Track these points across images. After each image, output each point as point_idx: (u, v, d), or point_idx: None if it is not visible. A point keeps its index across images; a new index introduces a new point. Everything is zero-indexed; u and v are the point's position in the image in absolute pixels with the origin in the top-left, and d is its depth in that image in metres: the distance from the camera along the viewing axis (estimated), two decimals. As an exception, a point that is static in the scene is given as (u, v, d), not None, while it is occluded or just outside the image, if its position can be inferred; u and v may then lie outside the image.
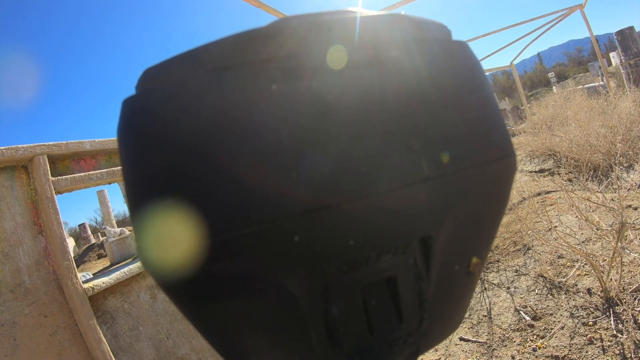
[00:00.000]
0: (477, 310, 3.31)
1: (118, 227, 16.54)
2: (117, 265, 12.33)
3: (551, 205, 4.81)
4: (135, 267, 2.36)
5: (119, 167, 2.52)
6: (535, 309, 3.12)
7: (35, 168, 2.07)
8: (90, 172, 2.29)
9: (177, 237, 0.31)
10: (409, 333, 0.38)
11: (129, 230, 14.53)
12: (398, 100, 0.34)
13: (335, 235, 0.31)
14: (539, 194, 5.45)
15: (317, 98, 0.32)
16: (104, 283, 2.17)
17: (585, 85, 15.44)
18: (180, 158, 0.32)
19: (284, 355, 0.38)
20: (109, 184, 2.44)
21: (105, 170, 2.38)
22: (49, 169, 2.10)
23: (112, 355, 2.14)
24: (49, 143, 2.17)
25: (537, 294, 3.32)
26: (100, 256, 17.98)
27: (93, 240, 21.23)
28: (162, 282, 0.35)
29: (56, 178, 2.14)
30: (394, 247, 0.34)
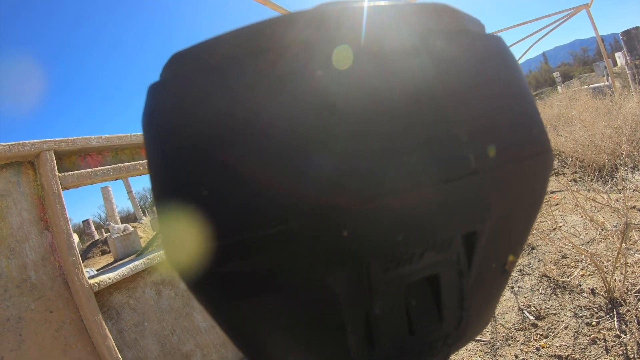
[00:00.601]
0: None
1: (122, 223, 16.56)
2: (120, 262, 12.34)
3: (556, 205, 4.79)
4: (140, 263, 2.35)
5: (125, 164, 2.51)
6: (539, 308, 3.11)
7: (42, 164, 2.06)
8: (97, 168, 2.28)
9: (207, 232, 0.29)
10: (448, 333, 0.36)
11: (133, 227, 14.53)
12: (444, 91, 0.33)
13: (383, 229, 0.30)
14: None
15: (362, 84, 0.30)
16: (109, 279, 2.17)
17: (591, 85, 15.21)
18: (210, 148, 0.30)
19: (314, 357, 0.37)
20: (115, 180, 2.44)
21: (111, 166, 2.37)
22: (55, 164, 2.09)
23: (118, 351, 2.13)
24: (56, 139, 2.16)
25: (541, 293, 3.31)
26: (104, 252, 17.98)
27: (97, 237, 21.25)
28: (189, 279, 0.34)
29: (63, 174, 2.13)
30: (438, 243, 0.33)
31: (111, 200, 18.88)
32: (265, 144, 0.29)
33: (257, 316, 0.34)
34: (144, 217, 23.39)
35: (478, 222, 0.35)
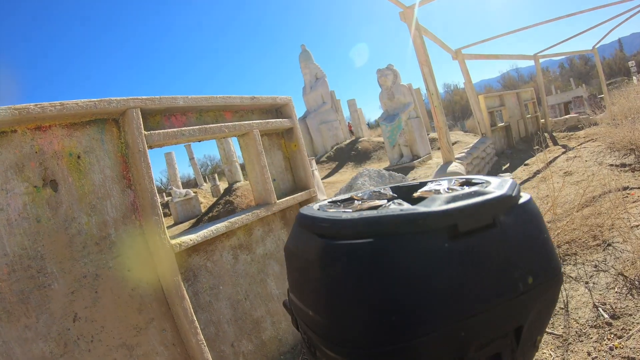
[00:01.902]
0: None
1: (183, 188, 16.72)
2: (182, 223, 12.45)
3: (634, 202, 4.13)
4: (222, 226, 2.04)
5: (210, 125, 2.17)
6: (614, 307, 2.65)
7: (128, 121, 1.77)
8: (183, 128, 1.97)
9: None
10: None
11: (194, 192, 14.63)
12: (511, 250, 0.63)
13: (482, 327, 0.59)
14: (621, 189, 4.74)
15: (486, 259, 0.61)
16: (191, 240, 1.87)
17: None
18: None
19: None
20: (199, 141, 2.12)
21: (197, 127, 2.05)
22: (142, 122, 1.79)
23: (193, 313, 1.85)
24: (142, 97, 1.85)
25: (616, 292, 2.82)
26: (164, 215, 18.09)
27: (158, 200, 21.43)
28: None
29: (149, 132, 1.83)
30: (504, 334, 0.62)
31: (174, 165, 19.08)
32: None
33: None
34: (205, 184, 23.53)
35: (523, 319, 0.63)
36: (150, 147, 1.82)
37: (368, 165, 14.13)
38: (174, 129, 1.94)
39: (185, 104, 2.02)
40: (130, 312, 1.73)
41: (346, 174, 13.50)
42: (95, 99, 1.68)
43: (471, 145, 7.06)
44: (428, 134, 12.15)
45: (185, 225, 11.94)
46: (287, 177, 2.86)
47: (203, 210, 12.80)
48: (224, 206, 10.40)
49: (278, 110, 2.85)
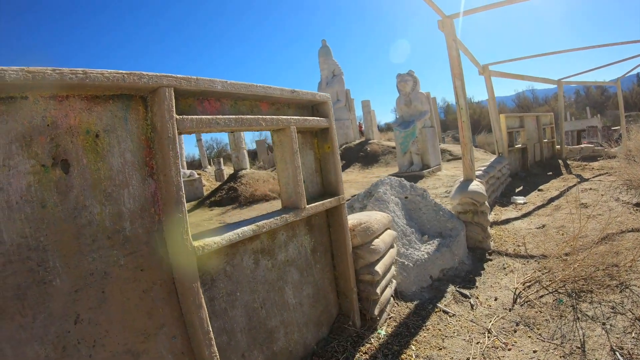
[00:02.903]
0: (569, 339, 2.59)
1: (188, 169, 16.28)
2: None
3: None
4: (249, 229, 1.74)
5: (247, 116, 1.84)
6: (632, 353, 2.37)
7: (159, 101, 1.46)
8: (218, 116, 1.67)
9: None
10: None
11: (198, 174, 14.27)
12: None
13: None
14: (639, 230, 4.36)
15: None
16: (215, 243, 1.58)
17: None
18: None
19: None
20: (231, 132, 1.80)
21: (233, 116, 1.74)
22: (174, 104, 1.48)
23: (209, 322, 1.56)
24: (177, 75, 1.55)
25: (634, 337, 2.51)
26: None
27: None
28: None
29: (181, 116, 1.52)
30: None
31: (181, 145, 18.47)
32: None
33: None
34: (209, 166, 22.89)
35: None
36: (180, 133, 1.51)
37: (375, 168, 13.75)
38: (209, 116, 1.63)
39: (223, 89, 1.71)
40: (139, 316, 1.43)
41: (353, 174, 13.12)
42: (124, 71, 1.37)
43: (487, 163, 6.69)
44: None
45: (187, 206, 11.71)
46: (316, 180, 2.54)
47: (205, 193, 12.44)
48: (227, 192, 10.10)
49: (314, 107, 2.54)
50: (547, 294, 3.27)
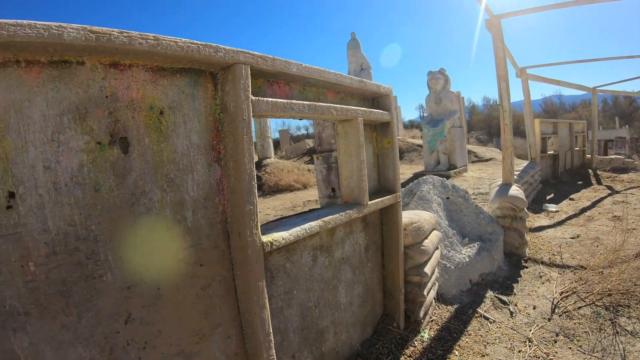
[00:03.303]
0: (610, 353, 2.29)
1: None
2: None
3: None
4: (316, 225, 1.42)
5: (321, 104, 1.43)
6: None
7: (233, 79, 1.13)
8: (293, 102, 1.33)
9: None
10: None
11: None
12: None
13: None
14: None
15: None
16: (283, 239, 1.27)
17: None
18: None
19: None
20: (301, 118, 1.46)
21: (307, 102, 1.41)
22: (250, 84, 1.14)
23: (270, 324, 1.26)
24: (254, 53, 1.21)
25: None
26: None
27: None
28: None
29: (256, 98, 1.18)
30: None
31: None
32: None
33: None
34: None
35: None
36: (254, 117, 1.18)
37: (399, 165, 13.13)
38: (284, 100, 1.29)
39: (298, 73, 1.36)
40: (195, 315, 1.14)
41: None
42: (199, 42, 1.05)
43: (520, 168, 6.07)
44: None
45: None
46: (373, 176, 2.18)
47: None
48: (252, 179, 9.80)
49: (375, 100, 2.15)
50: (585, 306, 2.91)
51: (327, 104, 1.52)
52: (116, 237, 0.95)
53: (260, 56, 1.21)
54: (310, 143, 19.78)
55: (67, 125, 0.86)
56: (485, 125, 28.47)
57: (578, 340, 2.40)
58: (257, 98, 1.17)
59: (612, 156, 9.93)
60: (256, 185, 1.15)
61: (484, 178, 7.96)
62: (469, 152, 12.12)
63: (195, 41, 1.05)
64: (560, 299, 3.12)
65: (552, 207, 5.56)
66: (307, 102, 1.38)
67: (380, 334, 2.17)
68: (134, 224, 0.98)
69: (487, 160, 11.14)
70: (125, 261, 0.97)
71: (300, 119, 1.51)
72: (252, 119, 1.14)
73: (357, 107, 1.76)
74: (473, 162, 10.97)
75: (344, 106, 1.65)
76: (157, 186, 1.02)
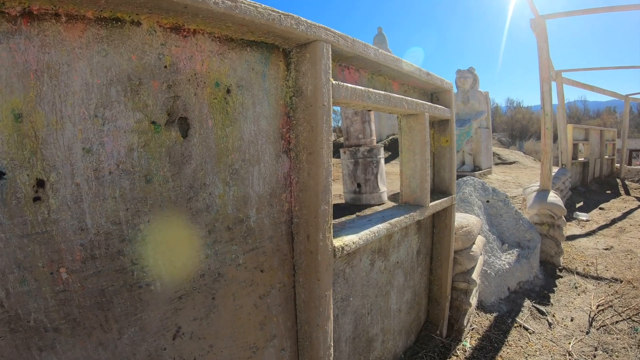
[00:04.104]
0: None
1: None
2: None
3: None
4: (383, 228, 1.12)
5: (395, 95, 1.04)
6: None
7: (313, 59, 0.85)
8: (370, 90, 1.02)
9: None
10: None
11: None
12: None
13: None
14: None
15: None
16: (354, 243, 0.99)
17: None
18: None
19: None
20: (368, 110, 1.15)
21: (383, 92, 1.08)
22: (331, 65, 0.83)
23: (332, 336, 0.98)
24: (336, 31, 0.90)
25: None
26: None
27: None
28: None
29: (337, 82, 0.87)
30: None
31: None
32: None
33: None
34: None
35: None
36: (333, 104, 0.88)
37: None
38: (362, 88, 0.98)
39: (375, 59, 1.04)
40: (250, 327, 0.88)
41: (397, 166, 12.00)
42: (280, 11, 0.76)
43: (552, 174, 5.45)
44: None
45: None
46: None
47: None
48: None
49: (435, 95, 1.79)
50: (622, 320, 2.54)
51: (400, 96, 1.20)
52: (169, 239, 0.69)
53: (341, 35, 0.90)
54: (333, 137, 19.14)
55: (115, 99, 0.60)
56: (508, 128, 26.44)
57: (617, 356, 2.10)
58: (337, 82, 0.87)
59: (640, 167, 8.86)
60: (332, 181, 0.85)
61: (509, 181, 7.32)
62: (493, 154, 11.29)
63: (277, 10, 0.75)
64: (597, 312, 2.74)
65: (583, 216, 4.96)
66: (383, 92, 1.06)
67: (423, 341, 1.87)
68: (191, 222, 0.72)
69: (510, 163, 10.31)
70: (178, 267, 0.71)
71: (369, 110, 1.20)
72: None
73: (424, 102, 1.43)
74: (497, 164, 10.19)
75: (414, 100, 1.32)
76: (220, 178, 0.75)
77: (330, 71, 0.84)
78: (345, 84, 0.91)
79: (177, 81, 0.69)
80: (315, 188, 0.83)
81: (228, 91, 0.76)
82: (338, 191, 5.83)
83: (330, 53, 0.85)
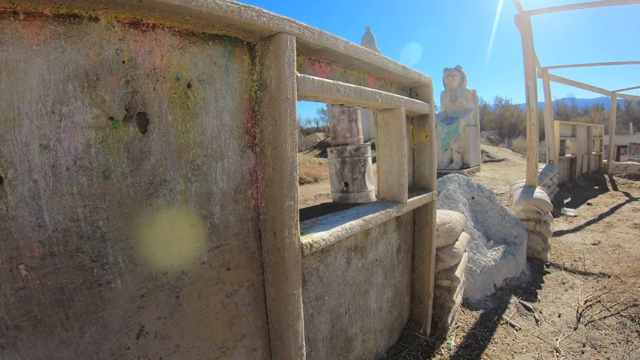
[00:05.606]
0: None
1: None
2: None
3: None
4: (357, 224, 1.19)
5: (366, 88, 1.10)
6: None
7: (276, 51, 0.90)
8: (340, 83, 1.08)
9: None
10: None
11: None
12: None
13: None
14: None
15: None
16: (323, 240, 1.04)
17: None
18: None
19: None
20: (342, 104, 1.22)
21: (353, 85, 1.14)
22: (296, 58, 0.89)
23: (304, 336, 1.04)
24: (301, 23, 0.96)
25: None
26: None
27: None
28: None
29: (302, 75, 0.93)
30: None
31: None
32: None
33: None
34: None
35: None
36: (298, 98, 0.94)
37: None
38: (330, 81, 1.04)
39: (345, 51, 1.11)
40: (218, 327, 0.93)
41: None
42: (240, 3, 0.81)
43: (540, 170, 5.70)
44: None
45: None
46: (408, 171, 1.93)
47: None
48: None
49: (414, 90, 1.89)
50: (610, 316, 2.66)
51: (373, 90, 1.27)
52: (128, 236, 0.73)
53: (307, 27, 0.96)
54: (320, 136, 19.37)
55: (72, 95, 0.63)
56: (497, 126, 27.34)
57: (605, 352, 2.20)
58: (302, 75, 0.93)
59: (628, 162, 9.35)
60: (297, 177, 0.91)
61: (497, 179, 7.58)
62: (481, 151, 11.64)
63: (235, 1, 0.81)
64: (585, 308, 2.89)
65: (570, 212, 5.20)
66: (353, 86, 1.13)
67: (406, 340, 1.95)
68: (151, 219, 0.76)
69: (499, 160, 10.67)
70: (139, 264, 0.75)
71: (341, 105, 1.26)
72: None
73: (400, 96, 1.51)
74: (485, 162, 10.53)
75: (389, 93, 1.40)
76: (181, 174, 0.80)
77: (295, 63, 0.90)
78: (311, 76, 0.97)
79: (135, 76, 0.73)
80: (280, 183, 0.89)
81: (189, 86, 0.81)
82: (326, 190, 5.90)
83: (295, 45, 0.91)
